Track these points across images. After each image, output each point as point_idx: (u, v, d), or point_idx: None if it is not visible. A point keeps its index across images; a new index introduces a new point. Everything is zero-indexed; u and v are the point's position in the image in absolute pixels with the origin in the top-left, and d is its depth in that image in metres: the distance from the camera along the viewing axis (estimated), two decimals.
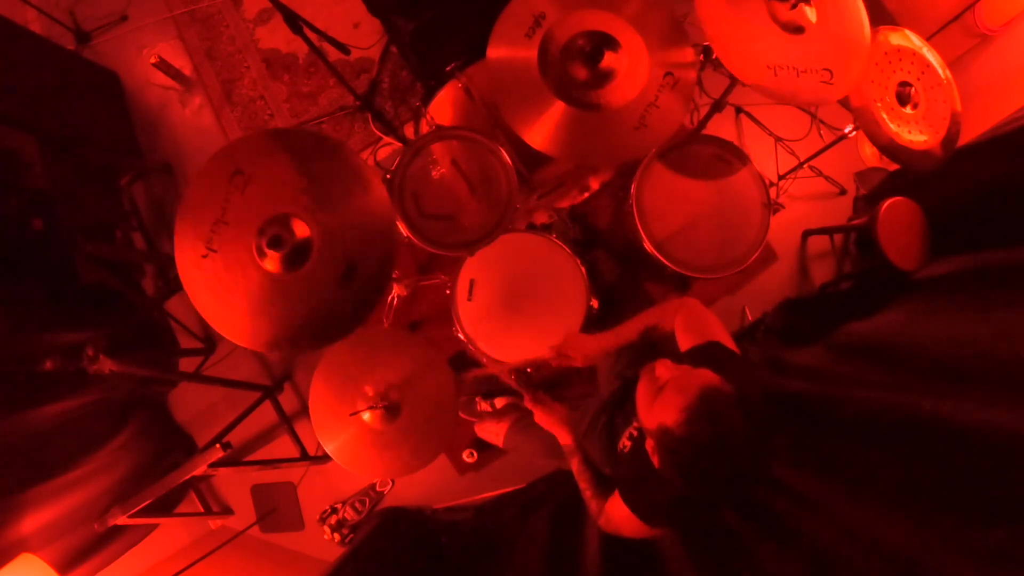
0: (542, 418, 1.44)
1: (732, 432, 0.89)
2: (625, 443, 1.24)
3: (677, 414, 0.91)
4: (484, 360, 1.67)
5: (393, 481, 2.35)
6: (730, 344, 1.13)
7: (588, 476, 1.35)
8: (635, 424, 1.23)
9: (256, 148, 1.31)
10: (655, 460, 0.98)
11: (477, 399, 2.14)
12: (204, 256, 1.28)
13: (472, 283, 1.71)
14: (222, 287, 1.28)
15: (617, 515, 1.17)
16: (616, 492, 1.17)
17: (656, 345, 1.53)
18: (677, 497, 1.05)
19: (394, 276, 2.05)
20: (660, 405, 0.95)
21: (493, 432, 1.94)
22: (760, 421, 0.91)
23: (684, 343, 1.17)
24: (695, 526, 1.16)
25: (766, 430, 0.93)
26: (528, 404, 1.46)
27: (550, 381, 2.22)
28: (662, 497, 1.07)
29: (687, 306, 1.23)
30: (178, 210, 1.29)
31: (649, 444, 1.00)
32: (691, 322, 1.19)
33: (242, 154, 1.30)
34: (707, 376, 0.95)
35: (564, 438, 1.41)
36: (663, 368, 1.01)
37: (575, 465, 1.38)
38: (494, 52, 1.46)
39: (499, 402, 2.15)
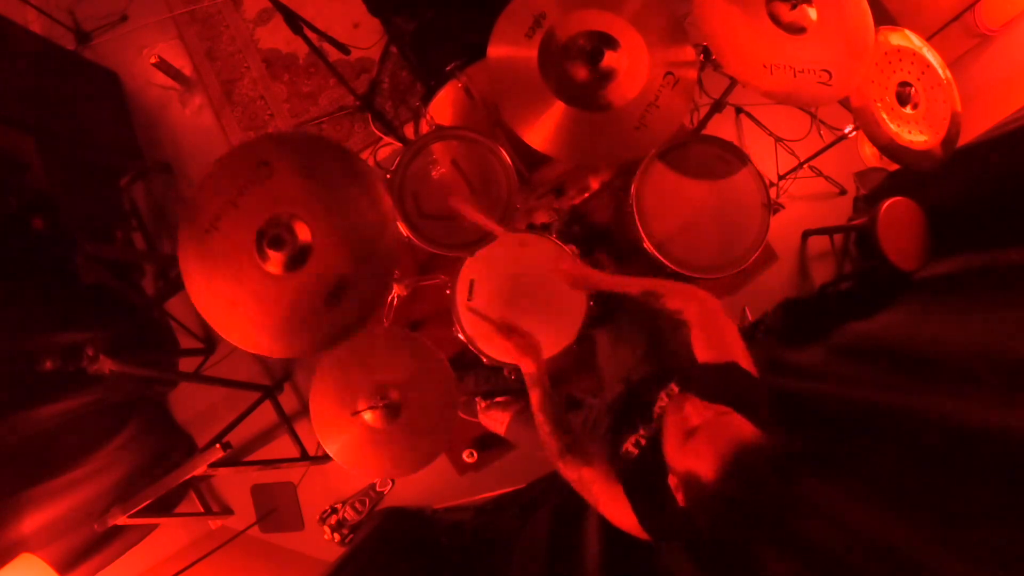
0: (509, 346, 1.30)
1: (765, 491, 0.88)
2: (630, 449, 1.21)
3: (710, 468, 0.89)
4: (485, 360, 1.67)
5: (393, 481, 2.35)
6: (747, 360, 1.11)
7: (550, 411, 1.23)
8: (642, 432, 1.21)
9: (291, 147, 1.33)
10: (678, 497, 0.97)
11: (477, 399, 2.14)
12: (206, 231, 1.30)
13: (472, 283, 1.71)
14: (213, 264, 1.30)
15: (615, 511, 1.14)
16: (617, 496, 1.14)
17: (656, 334, 1.53)
18: (689, 520, 1.02)
19: (394, 276, 2.05)
20: (692, 452, 0.93)
21: (497, 420, 1.94)
22: (789, 473, 0.90)
23: (701, 352, 1.14)
24: (703, 542, 1.15)
25: (792, 477, 0.92)
26: (498, 330, 1.33)
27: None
28: (675, 517, 1.04)
29: (708, 303, 1.18)
30: (212, 169, 1.32)
31: (672, 480, 0.98)
32: (711, 327, 1.16)
33: (275, 148, 1.32)
34: (742, 428, 0.92)
35: (528, 366, 1.27)
36: (693, 408, 0.98)
37: (536, 396, 1.25)
38: (494, 52, 1.46)
39: (499, 401, 2.14)
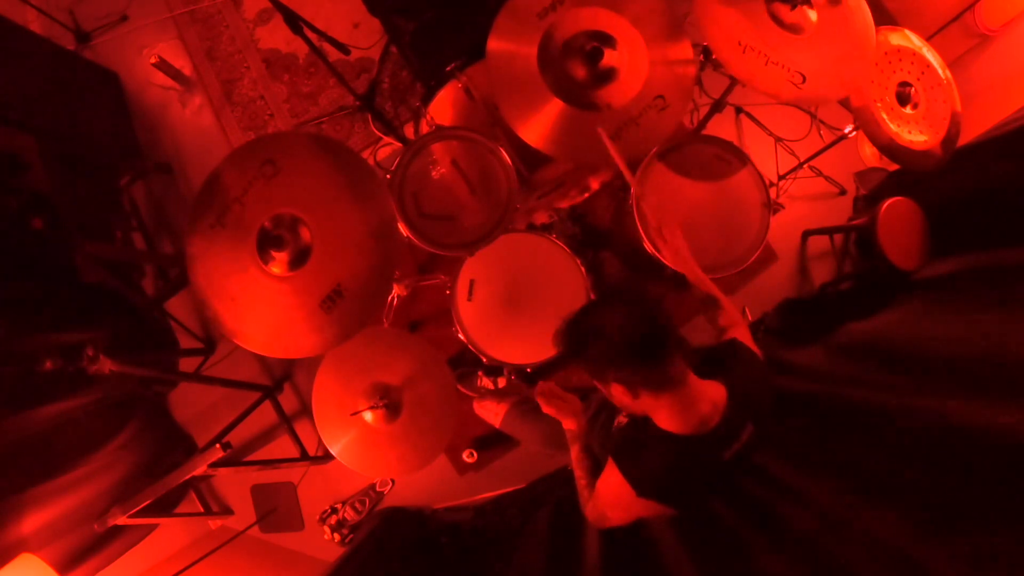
0: (550, 409, 1.41)
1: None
2: (622, 420, 1.27)
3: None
4: (485, 360, 1.67)
5: (393, 481, 2.35)
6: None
7: (587, 464, 1.34)
8: None
9: (296, 147, 1.34)
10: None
11: (479, 373, 2.12)
12: (212, 226, 1.31)
13: (472, 283, 1.71)
14: (218, 259, 1.31)
15: (605, 491, 1.17)
16: (606, 468, 1.17)
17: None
18: (668, 462, 1.07)
19: (394, 276, 2.05)
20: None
21: (492, 412, 1.93)
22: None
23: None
24: (686, 500, 1.15)
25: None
26: (537, 396, 1.43)
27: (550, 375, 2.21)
28: (656, 460, 1.08)
29: (745, 330, 1.30)
30: (221, 165, 1.33)
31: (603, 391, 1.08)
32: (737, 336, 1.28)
33: (280, 147, 1.34)
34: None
35: (569, 424, 1.39)
36: None
37: (575, 452, 1.36)
38: (497, 36, 1.46)
39: (501, 381, 2.13)
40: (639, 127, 1.44)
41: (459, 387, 2.09)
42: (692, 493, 1.15)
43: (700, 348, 1.26)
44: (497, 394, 1.98)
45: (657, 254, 1.61)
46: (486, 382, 2.12)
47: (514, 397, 1.91)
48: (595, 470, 1.32)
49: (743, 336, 1.26)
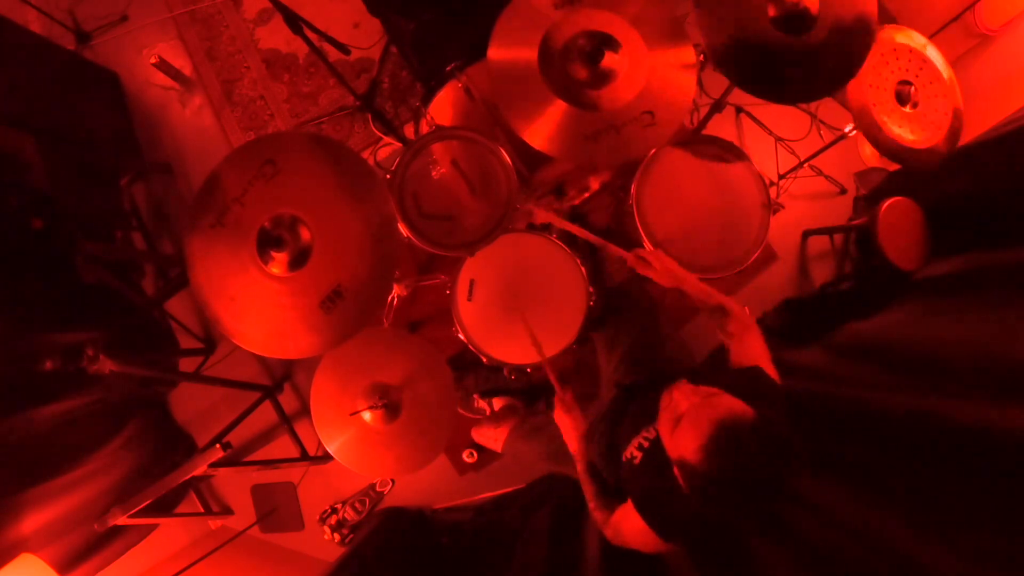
0: (561, 416, 1.41)
1: (750, 462, 0.87)
2: (634, 453, 1.22)
3: (694, 450, 0.90)
4: (485, 360, 1.67)
5: (393, 481, 2.35)
6: (772, 370, 1.17)
7: (593, 488, 1.33)
8: (644, 435, 1.22)
9: (296, 147, 1.34)
10: (683, 484, 0.97)
11: (475, 396, 2.12)
12: (212, 226, 1.31)
13: (472, 283, 1.71)
14: (218, 259, 1.31)
15: (628, 528, 1.15)
16: (628, 503, 1.15)
17: (650, 340, 1.54)
18: (697, 513, 1.04)
19: (394, 276, 2.05)
20: (679, 438, 0.94)
21: (492, 438, 1.93)
22: (778, 445, 0.90)
23: (736, 359, 1.21)
24: (711, 540, 1.14)
25: (786, 454, 0.90)
26: (557, 400, 1.42)
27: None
28: (681, 512, 1.05)
29: (756, 330, 1.25)
30: (220, 164, 1.33)
31: (676, 469, 0.99)
32: (749, 344, 1.22)
33: (280, 147, 1.33)
34: (723, 406, 0.92)
35: (573, 444, 1.38)
36: (680, 395, 0.99)
37: (580, 471, 1.36)
38: (503, 26, 1.46)
39: (497, 403, 2.14)
40: (619, 136, 1.42)
41: (460, 410, 2.08)
42: (720, 538, 1.15)
43: (724, 370, 1.22)
44: (493, 419, 1.98)
45: (651, 279, 1.49)
46: (482, 404, 2.12)
47: (512, 420, 1.90)
48: (601, 489, 1.31)
49: (755, 341, 1.22)
